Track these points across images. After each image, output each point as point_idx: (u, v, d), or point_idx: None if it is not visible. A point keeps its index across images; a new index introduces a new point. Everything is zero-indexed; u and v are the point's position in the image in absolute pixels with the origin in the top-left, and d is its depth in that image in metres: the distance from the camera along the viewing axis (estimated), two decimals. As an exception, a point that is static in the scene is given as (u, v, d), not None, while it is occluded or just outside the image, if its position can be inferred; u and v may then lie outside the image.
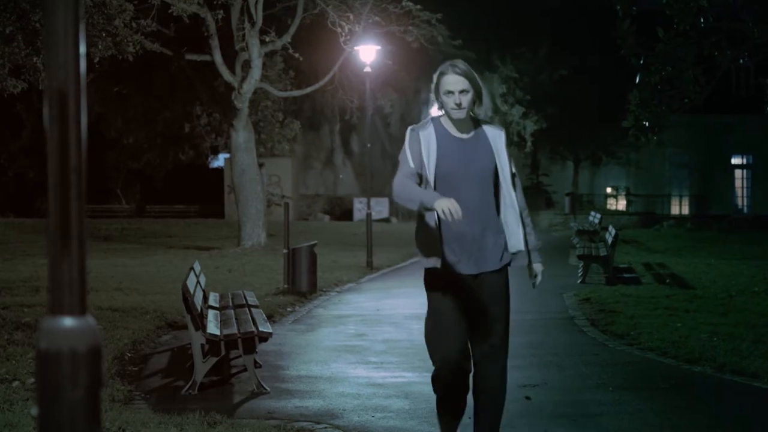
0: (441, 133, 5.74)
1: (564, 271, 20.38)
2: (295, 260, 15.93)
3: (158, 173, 51.97)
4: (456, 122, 5.76)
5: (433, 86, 5.72)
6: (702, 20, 14.57)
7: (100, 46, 18.75)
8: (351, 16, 26.16)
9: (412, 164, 5.62)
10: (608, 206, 50.28)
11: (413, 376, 8.94)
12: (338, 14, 26.20)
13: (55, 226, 1.99)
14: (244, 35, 25.88)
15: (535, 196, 47.59)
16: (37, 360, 2.20)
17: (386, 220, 46.53)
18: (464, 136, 5.77)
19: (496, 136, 5.83)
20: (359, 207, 47.56)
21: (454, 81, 5.61)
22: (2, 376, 8.42)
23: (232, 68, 26.58)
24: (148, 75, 32.94)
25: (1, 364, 8.93)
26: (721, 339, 11.07)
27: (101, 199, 52.38)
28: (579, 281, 18.39)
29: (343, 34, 26.25)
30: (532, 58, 46.17)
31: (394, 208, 47.83)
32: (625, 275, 19.55)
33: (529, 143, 46.00)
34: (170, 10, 23.67)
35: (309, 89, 29.87)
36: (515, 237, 5.81)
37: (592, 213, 35.29)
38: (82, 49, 2.07)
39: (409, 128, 5.77)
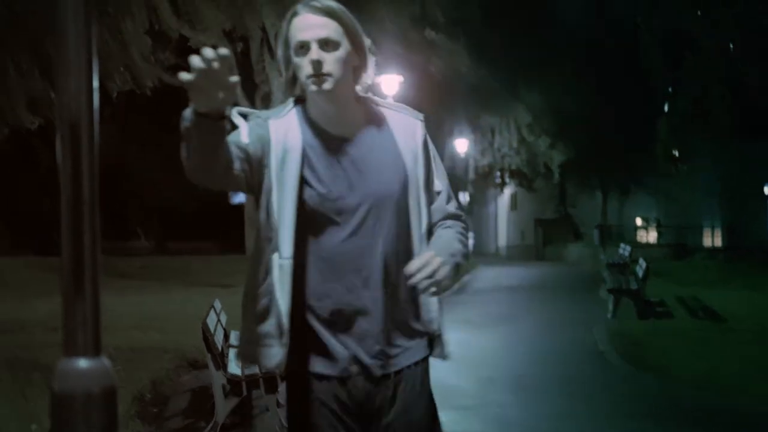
0: (307, 130, 3.20)
1: (594, 305, 20.24)
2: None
3: (179, 209, 52.20)
4: (329, 106, 3.18)
5: (281, 41, 3.21)
6: (731, 42, 14.58)
7: (117, 81, 18.88)
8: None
9: (245, 141, 3.10)
10: (638, 238, 50.02)
11: None
12: (359, 45, 26.31)
13: (68, 262, 1.97)
14: (264, 68, 26.02)
15: (564, 229, 47.43)
16: (52, 402, 2.18)
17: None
18: (348, 133, 3.22)
19: (408, 129, 3.28)
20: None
21: (308, 25, 3.10)
22: (20, 418, 8.40)
23: (252, 101, 26.71)
24: (166, 108, 33.13)
25: (19, 405, 8.92)
26: (754, 371, 10.97)
27: (120, 236, 52.61)
28: (610, 315, 18.25)
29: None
30: (558, 87, 46.19)
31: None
32: (657, 309, 19.39)
33: (556, 174, 45.90)
34: (188, 43, 23.83)
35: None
36: (427, 310, 3.29)
37: (622, 245, 35.13)
38: (95, 80, 2.06)
39: (252, 115, 3.22)
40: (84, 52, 2.03)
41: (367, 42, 3.22)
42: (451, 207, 3.34)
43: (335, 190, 3.12)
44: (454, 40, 28.01)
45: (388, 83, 23.77)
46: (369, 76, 3.25)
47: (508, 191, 56.41)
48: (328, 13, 3.12)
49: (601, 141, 44.98)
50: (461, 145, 44.45)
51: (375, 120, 3.26)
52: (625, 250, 32.28)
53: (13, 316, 18.01)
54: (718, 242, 48.16)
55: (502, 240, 58.49)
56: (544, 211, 53.55)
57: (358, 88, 3.24)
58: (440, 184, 3.33)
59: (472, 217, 49.96)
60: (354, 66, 3.18)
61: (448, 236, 3.24)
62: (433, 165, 3.32)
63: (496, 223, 59.65)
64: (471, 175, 47.79)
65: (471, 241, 37.74)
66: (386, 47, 26.20)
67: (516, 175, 50.17)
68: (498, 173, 51.06)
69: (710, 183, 47.54)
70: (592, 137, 45.14)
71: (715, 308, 19.46)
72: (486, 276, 33.04)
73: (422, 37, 27.01)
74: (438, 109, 42.31)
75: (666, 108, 14.90)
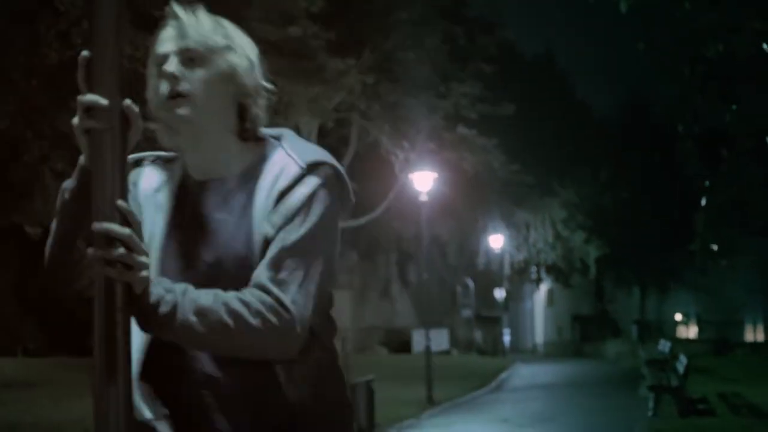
0: (176, 177, 2.43)
1: (634, 403, 19.98)
2: (353, 396, 15.78)
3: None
4: (175, 136, 2.34)
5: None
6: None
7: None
8: (405, 144, 26.52)
9: None
10: (678, 334, 49.53)
11: None
12: (392, 142, 26.58)
13: (100, 361, 1.99)
14: (297, 166, 26.33)
15: (601, 325, 47.07)
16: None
17: (446, 352, 46.14)
18: (216, 177, 2.38)
19: (279, 179, 2.30)
20: (418, 339, 47.28)
21: (165, 37, 2.35)
22: None
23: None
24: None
25: None
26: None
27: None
28: (650, 413, 17.99)
29: (398, 161, 26.58)
30: (593, 181, 46.27)
31: (455, 340, 47.47)
32: (699, 406, 19.08)
33: (593, 270, 45.72)
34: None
35: (365, 219, 30.12)
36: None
37: (662, 341, 34.77)
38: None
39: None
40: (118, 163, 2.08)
41: (256, 72, 2.37)
42: (264, 278, 2.18)
43: (173, 265, 2.32)
44: (487, 136, 28.24)
45: (421, 180, 23.90)
46: (259, 106, 2.36)
47: (544, 287, 56.18)
48: (184, 23, 2.32)
49: (638, 236, 44.91)
50: (496, 241, 44.44)
51: (261, 162, 2.35)
52: (665, 346, 31.95)
53: (47, 418, 18.01)
54: (761, 337, 47.56)
55: (539, 336, 58.05)
56: (581, 307, 53.22)
57: (245, 123, 2.35)
58: (290, 238, 2.21)
59: (508, 313, 49.70)
60: (238, 101, 2.33)
61: (210, 292, 2.15)
62: (291, 224, 2.24)
63: (532, 319, 59.29)
64: (506, 270, 47.69)
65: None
66: (419, 144, 26.45)
67: (552, 270, 50.02)
68: (534, 269, 50.95)
69: (751, 278, 47.16)
70: (629, 232, 45.08)
71: (760, 405, 19.13)
72: (523, 373, 32.73)
73: (454, 134, 27.26)
74: (472, 205, 42.48)
75: (703, 202, 14.88)
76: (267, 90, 2.39)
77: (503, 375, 30.97)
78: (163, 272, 2.27)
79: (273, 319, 2.13)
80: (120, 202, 2.01)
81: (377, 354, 47.49)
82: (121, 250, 1.99)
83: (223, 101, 2.32)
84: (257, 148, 2.38)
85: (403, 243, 35.93)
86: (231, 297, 2.14)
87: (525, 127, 42.83)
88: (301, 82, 22.19)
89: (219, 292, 2.15)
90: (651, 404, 18.43)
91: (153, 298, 2.08)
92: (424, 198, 23.81)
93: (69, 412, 19.05)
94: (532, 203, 44.16)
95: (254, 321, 2.12)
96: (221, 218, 2.31)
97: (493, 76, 30.34)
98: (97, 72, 2.02)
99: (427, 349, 22.82)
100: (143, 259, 2.03)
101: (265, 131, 2.41)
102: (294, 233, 2.23)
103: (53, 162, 18.43)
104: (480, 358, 42.97)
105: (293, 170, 2.28)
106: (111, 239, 1.98)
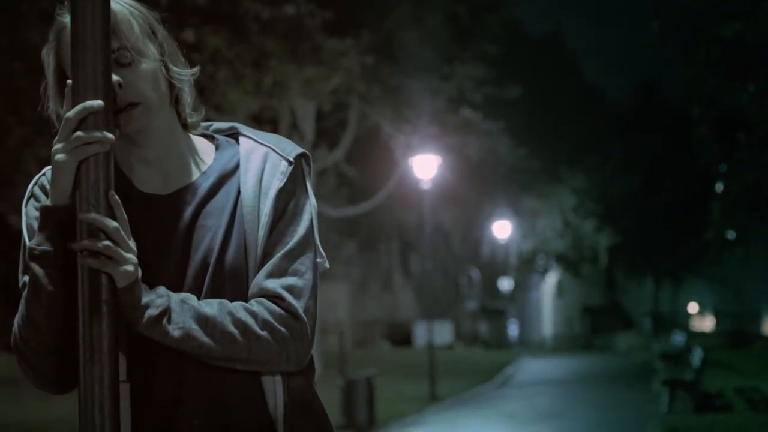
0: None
1: (646, 399, 20.00)
2: (352, 392, 15.81)
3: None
4: (137, 149, 2.21)
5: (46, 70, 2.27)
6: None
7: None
8: (407, 128, 26.49)
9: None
10: (693, 327, 49.59)
11: None
12: (393, 126, 26.56)
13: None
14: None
15: (613, 317, 47.10)
16: None
17: (450, 346, 46.22)
18: (186, 183, 2.25)
19: (265, 174, 2.22)
20: (420, 332, 47.35)
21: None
22: None
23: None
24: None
25: None
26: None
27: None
28: (664, 410, 18.02)
29: (399, 146, 26.56)
30: (603, 167, 46.25)
31: (459, 333, 47.52)
32: (715, 402, 19.09)
33: (604, 259, 45.74)
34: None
35: (365, 207, 30.10)
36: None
37: (676, 334, 34.80)
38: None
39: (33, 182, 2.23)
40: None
41: (165, 41, 2.20)
42: (273, 284, 2.14)
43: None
44: (492, 120, 28.20)
45: (424, 165, 23.88)
46: (187, 99, 2.25)
47: (552, 277, 56.21)
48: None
49: (651, 224, 44.91)
50: (502, 228, 44.39)
51: (219, 163, 2.27)
52: (679, 338, 31.99)
53: (33, 416, 18.04)
54: (779, 330, 47.61)
55: (547, 329, 58.10)
56: (591, 298, 53.26)
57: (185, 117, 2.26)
58: (293, 239, 2.17)
59: (514, 304, 49.74)
60: (156, 80, 2.16)
61: (214, 303, 2.11)
62: (295, 222, 2.20)
63: (540, 311, 59.34)
64: (513, 260, 47.70)
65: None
66: (422, 128, 26.42)
67: (561, 259, 50.06)
68: (542, 258, 50.98)
69: (769, 267, 47.19)
70: (641, 220, 45.07)
71: (778, 401, 19.17)
72: (530, 368, 32.77)
73: (458, 117, 27.23)
74: (476, 192, 42.48)
75: (719, 189, 14.85)
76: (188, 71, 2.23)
77: (509, 369, 31.00)
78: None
79: (282, 329, 2.09)
80: (111, 193, 1.99)
81: (378, 348, 47.55)
82: (106, 241, 1.96)
83: (166, 96, 2.18)
84: (210, 143, 2.29)
85: (405, 232, 35.95)
86: (237, 307, 2.09)
87: (532, 110, 42.80)
88: (294, 63, 22.16)
89: (225, 301, 2.10)
90: (665, 399, 18.45)
91: (142, 300, 2.03)
92: (426, 185, 23.80)
93: (55, 410, 19.08)
94: (540, 190, 44.16)
95: (263, 332, 2.08)
96: (204, 226, 2.18)
97: (498, 57, 30.29)
98: (82, 89, 2.01)
99: (430, 342, 22.82)
100: (129, 255, 2.00)
101: (202, 124, 2.32)
102: (295, 234, 2.18)
103: (36, 148, 18.43)
104: (485, 352, 43.03)
105: (282, 165, 2.21)
106: (96, 230, 1.96)
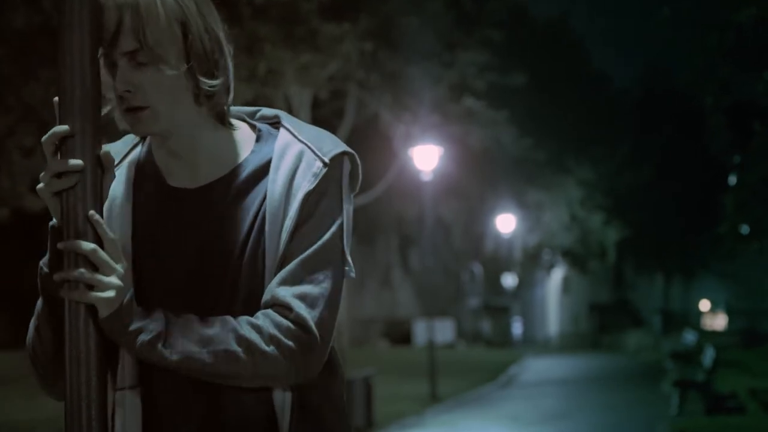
0: (140, 180, 2.22)
1: (656, 400, 20.02)
2: (349, 392, 15.82)
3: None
4: (165, 142, 2.17)
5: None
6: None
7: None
8: (407, 117, 26.47)
9: None
10: (704, 325, 49.66)
11: None
12: (393, 115, 26.54)
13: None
14: (288, 141, 26.29)
15: (621, 314, 47.14)
16: None
17: (451, 345, 46.26)
18: (196, 182, 2.19)
19: (297, 173, 2.16)
20: (421, 330, 47.38)
21: (107, 21, 2.03)
22: None
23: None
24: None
25: None
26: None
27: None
28: (674, 411, 18.04)
29: (399, 136, 26.55)
30: (611, 158, 46.24)
31: (461, 331, 47.54)
32: (727, 403, 19.13)
33: (612, 254, 45.76)
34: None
35: (362, 199, 30.09)
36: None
37: (687, 332, 34.85)
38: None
39: None
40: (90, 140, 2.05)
41: (209, 26, 2.10)
42: (285, 293, 2.08)
43: (155, 273, 2.20)
44: (496, 109, 28.19)
45: (425, 156, 23.88)
46: (226, 94, 2.15)
47: (558, 273, 56.24)
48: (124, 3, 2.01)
49: (661, 218, 44.91)
50: (505, 222, 44.39)
51: (255, 156, 2.21)
52: (690, 337, 32.03)
53: (20, 416, 18.05)
54: (794, 328, 47.66)
55: (553, 327, 58.15)
56: (598, 295, 53.30)
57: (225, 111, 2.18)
58: (316, 241, 2.11)
59: (518, 302, 49.78)
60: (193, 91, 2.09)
61: (215, 322, 2.07)
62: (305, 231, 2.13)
63: (545, 308, 59.38)
64: (517, 255, 47.72)
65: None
66: (423, 117, 26.40)
67: (567, 255, 50.08)
68: (547, 253, 50.99)
69: (783, 263, 47.24)
70: (651, 214, 45.07)
71: (793, 402, 19.20)
72: (535, 367, 32.80)
73: (461, 106, 27.21)
74: (479, 184, 42.49)
75: (732, 181, 14.86)
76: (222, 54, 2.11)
77: (513, 369, 31.03)
78: (152, 293, 2.13)
79: (290, 343, 2.04)
80: (92, 213, 1.97)
81: (377, 347, 47.60)
82: (82, 270, 1.96)
83: (183, 104, 2.09)
84: (252, 132, 2.22)
85: (405, 225, 35.98)
86: (242, 322, 2.06)
87: (537, 99, 42.79)
88: (289, 49, 22.14)
89: (228, 318, 2.07)
90: (675, 401, 18.47)
91: (132, 325, 2.01)
92: (427, 176, 23.79)
93: (41, 409, 19.10)
94: (545, 181, 44.17)
95: (269, 348, 2.04)
96: (226, 224, 2.16)
97: (502, 43, 30.29)
98: (67, 109, 2.00)
99: (431, 341, 22.83)
100: (110, 279, 1.98)
101: (243, 110, 2.26)
102: (318, 240, 2.12)
103: (20, 137, 18.40)
104: (488, 351, 43.08)
105: (316, 165, 2.14)
106: (75, 257, 1.96)
